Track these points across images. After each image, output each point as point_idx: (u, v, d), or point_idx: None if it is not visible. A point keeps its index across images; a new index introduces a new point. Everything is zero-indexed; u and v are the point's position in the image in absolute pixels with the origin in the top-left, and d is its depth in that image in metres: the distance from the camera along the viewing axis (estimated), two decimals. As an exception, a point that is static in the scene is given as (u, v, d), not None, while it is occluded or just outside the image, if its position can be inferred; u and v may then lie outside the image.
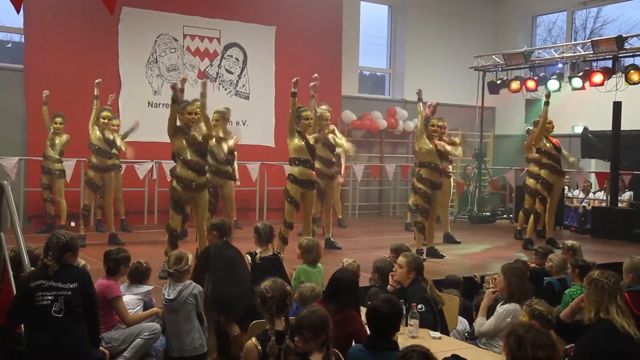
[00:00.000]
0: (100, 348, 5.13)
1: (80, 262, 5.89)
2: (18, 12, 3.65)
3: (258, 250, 6.57)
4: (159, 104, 13.54)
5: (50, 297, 4.57)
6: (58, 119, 11.07)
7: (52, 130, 11.10)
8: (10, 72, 12.55)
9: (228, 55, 14.75)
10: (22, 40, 12.78)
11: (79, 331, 4.62)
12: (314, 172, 9.28)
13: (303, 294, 5.20)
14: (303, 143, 9.06)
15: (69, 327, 4.57)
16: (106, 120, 10.70)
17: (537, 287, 6.99)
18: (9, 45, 13.40)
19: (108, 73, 13.07)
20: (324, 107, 10.55)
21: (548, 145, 11.33)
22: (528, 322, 4.05)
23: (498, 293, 5.96)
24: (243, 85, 14.95)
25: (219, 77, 14.63)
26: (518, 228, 12.61)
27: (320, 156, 10.37)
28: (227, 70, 14.74)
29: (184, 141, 8.00)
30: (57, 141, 11.14)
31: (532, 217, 11.40)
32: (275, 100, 15.03)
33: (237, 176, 11.47)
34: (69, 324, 4.57)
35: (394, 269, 6.04)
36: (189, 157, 8.00)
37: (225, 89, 14.72)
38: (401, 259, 5.94)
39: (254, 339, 4.23)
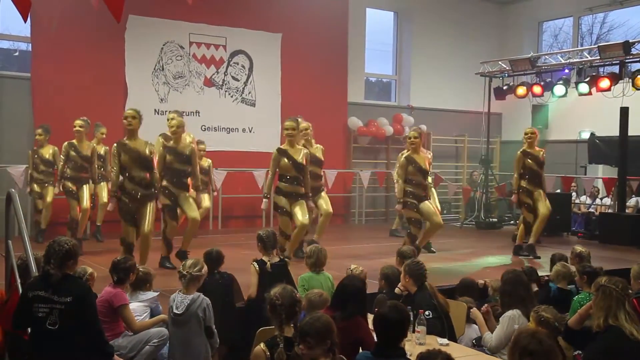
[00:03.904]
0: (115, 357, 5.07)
1: (88, 270, 5.90)
2: (25, 20, 3.66)
3: (265, 258, 6.57)
4: (166, 111, 13.53)
5: (45, 310, 4.54)
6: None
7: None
8: (17, 80, 12.60)
9: (234, 63, 14.78)
10: (29, 48, 12.84)
11: (78, 343, 4.57)
12: (302, 188, 9.34)
13: (311, 299, 5.19)
14: (289, 162, 9.18)
15: (66, 339, 4.52)
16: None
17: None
18: (16, 53, 13.46)
19: (114, 81, 13.16)
20: (299, 118, 10.33)
21: (530, 161, 11.11)
22: (533, 329, 4.03)
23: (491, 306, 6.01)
24: (249, 93, 14.98)
25: (225, 84, 14.67)
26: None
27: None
28: (233, 78, 14.77)
29: (128, 157, 8.10)
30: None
31: (522, 225, 11.32)
32: (282, 107, 15.05)
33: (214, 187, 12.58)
34: (65, 337, 4.52)
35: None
36: (134, 174, 8.12)
37: (232, 96, 14.75)
38: (403, 266, 6.00)
39: (262, 345, 4.22)
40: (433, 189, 10.94)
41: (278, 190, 9.33)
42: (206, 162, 11.93)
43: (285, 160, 9.19)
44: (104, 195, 11.39)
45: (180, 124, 9.10)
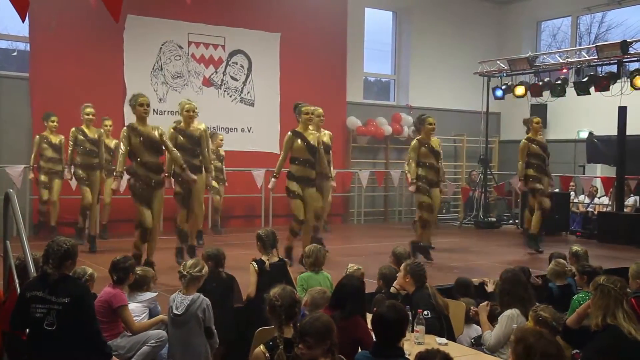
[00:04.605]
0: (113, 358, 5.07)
1: (88, 271, 5.89)
2: (23, 20, 3.66)
3: (264, 258, 6.57)
4: (164, 111, 13.56)
5: (43, 310, 4.54)
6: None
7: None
8: (16, 80, 12.58)
9: (233, 62, 14.78)
10: (28, 48, 12.83)
11: (75, 343, 4.56)
12: (314, 172, 9.29)
13: (314, 297, 5.19)
14: (303, 144, 9.12)
15: (64, 340, 4.52)
16: (90, 117, 10.77)
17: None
18: (15, 53, 13.46)
19: (113, 80, 13.16)
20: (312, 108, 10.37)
21: (535, 147, 11.27)
22: (537, 330, 4.02)
23: (490, 305, 6.00)
24: (248, 92, 14.98)
25: (224, 84, 14.66)
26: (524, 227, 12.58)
27: None
28: (232, 77, 14.77)
29: (139, 141, 8.11)
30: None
31: (538, 213, 11.36)
32: (280, 107, 15.04)
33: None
34: (62, 337, 4.52)
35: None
36: (145, 159, 8.13)
37: (230, 96, 14.75)
38: (403, 265, 5.99)
39: (262, 347, 4.22)
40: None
41: (290, 175, 9.24)
42: (223, 152, 12.56)
43: (299, 141, 9.11)
44: (108, 193, 11.51)
45: (195, 108, 9.16)
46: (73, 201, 11.47)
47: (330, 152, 10.58)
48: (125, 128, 8.27)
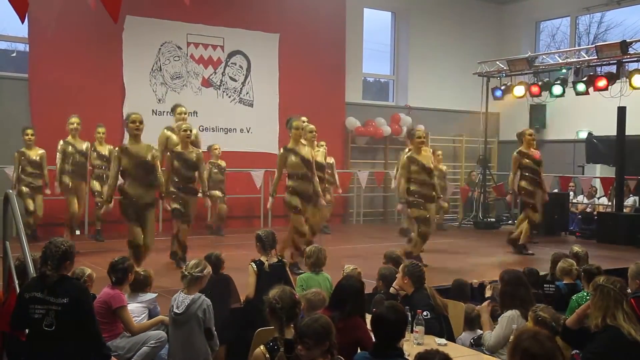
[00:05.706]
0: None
1: (86, 272, 5.89)
2: (22, 21, 3.65)
3: (263, 258, 6.56)
4: (163, 112, 13.55)
5: (41, 311, 4.51)
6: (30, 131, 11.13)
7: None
8: (15, 81, 12.59)
9: (232, 63, 14.78)
10: (27, 49, 12.83)
11: (74, 344, 4.56)
12: (311, 186, 9.21)
13: (311, 299, 5.18)
14: (298, 158, 9.06)
15: (62, 341, 4.51)
16: (75, 125, 10.78)
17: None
18: (14, 54, 13.46)
19: (112, 81, 13.16)
20: (304, 118, 10.34)
21: (527, 161, 11.17)
22: (536, 330, 4.02)
23: (492, 306, 5.98)
24: (247, 93, 14.97)
25: (223, 84, 14.66)
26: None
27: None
28: (231, 78, 14.77)
29: (130, 162, 7.88)
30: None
31: (527, 224, 11.27)
32: (279, 107, 15.05)
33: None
34: (61, 338, 4.50)
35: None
36: (136, 179, 7.92)
37: (229, 97, 14.75)
38: (401, 266, 5.99)
39: (262, 347, 4.21)
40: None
41: (290, 190, 9.12)
42: (223, 163, 12.73)
43: (293, 157, 9.04)
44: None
45: (192, 128, 9.21)
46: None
47: (329, 169, 10.43)
48: (117, 149, 8.09)
